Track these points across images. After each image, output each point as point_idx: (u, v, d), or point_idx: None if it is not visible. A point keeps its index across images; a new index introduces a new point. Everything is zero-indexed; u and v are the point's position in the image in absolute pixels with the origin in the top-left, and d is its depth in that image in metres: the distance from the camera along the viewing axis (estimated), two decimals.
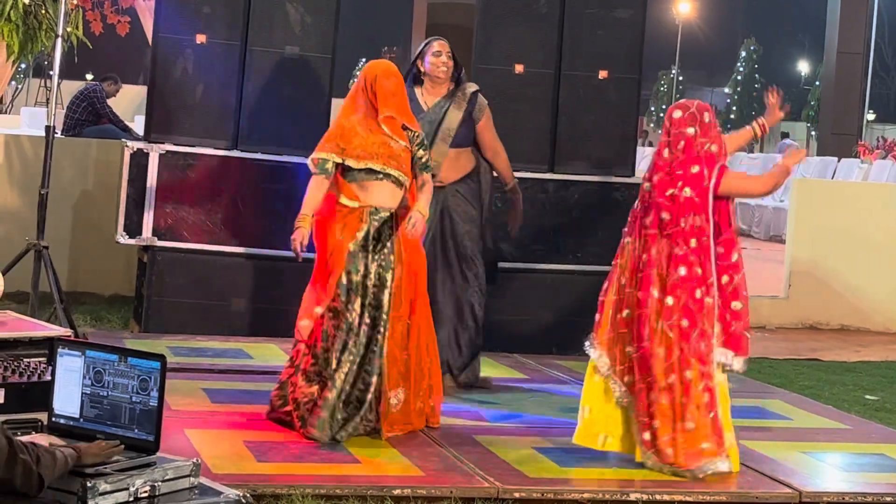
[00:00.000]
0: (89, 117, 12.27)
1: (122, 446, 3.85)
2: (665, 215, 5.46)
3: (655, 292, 5.44)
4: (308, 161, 5.82)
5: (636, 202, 5.63)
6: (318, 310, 5.80)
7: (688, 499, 5.22)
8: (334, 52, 8.19)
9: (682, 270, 5.42)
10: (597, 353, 5.58)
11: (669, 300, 5.42)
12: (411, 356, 5.82)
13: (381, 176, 5.76)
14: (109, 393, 3.94)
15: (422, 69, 6.77)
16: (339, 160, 5.76)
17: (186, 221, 7.94)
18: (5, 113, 24.96)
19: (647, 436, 5.46)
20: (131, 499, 3.72)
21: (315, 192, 5.77)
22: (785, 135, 29.67)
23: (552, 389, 7.13)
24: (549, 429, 6.21)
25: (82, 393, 3.99)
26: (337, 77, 8.42)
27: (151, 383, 3.88)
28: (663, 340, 5.42)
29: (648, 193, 5.55)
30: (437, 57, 6.72)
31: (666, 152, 5.54)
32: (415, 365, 5.83)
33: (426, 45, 6.81)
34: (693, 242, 5.44)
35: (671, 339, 5.41)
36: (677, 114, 5.56)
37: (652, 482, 5.39)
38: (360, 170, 5.76)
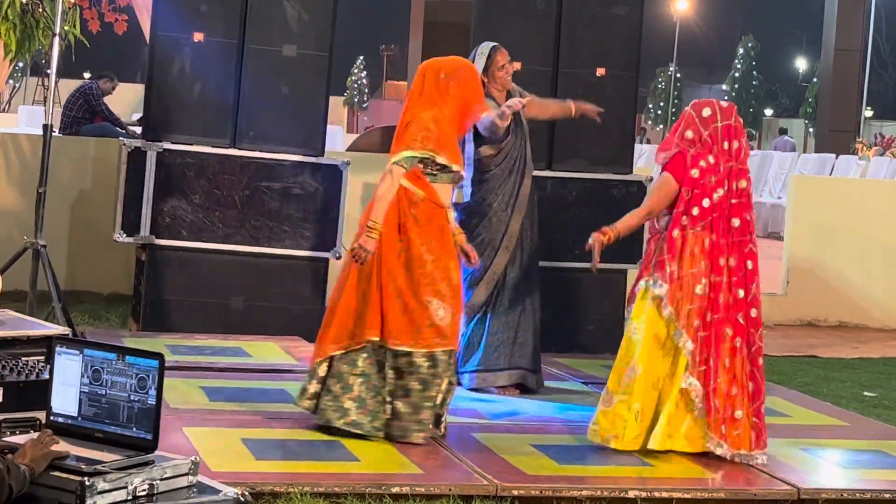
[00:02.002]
0: (86, 115, 12.26)
1: (55, 436, 3.84)
2: (747, 215, 5.74)
3: (742, 292, 5.74)
4: (408, 156, 5.59)
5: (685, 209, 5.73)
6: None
7: (686, 496, 5.23)
8: (332, 51, 8.18)
9: (750, 264, 5.75)
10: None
11: (741, 292, 5.72)
12: None
13: (455, 177, 5.80)
14: (107, 391, 3.94)
15: (485, 80, 6.82)
16: (443, 161, 5.66)
17: (184, 220, 7.93)
18: (3, 111, 24.96)
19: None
20: (129, 497, 3.72)
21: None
22: (783, 131, 29.61)
23: (551, 387, 7.12)
24: (548, 426, 6.21)
25: (80, 392, 3.98)
26: (334, 75, 8.43)
27: (149, 382, 3.88)
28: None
29: (726, 197, 5.74)
30: (501, 70, 6.89)
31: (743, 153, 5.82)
32: None
33: (489, 59, 6.86)
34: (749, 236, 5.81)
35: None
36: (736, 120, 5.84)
37: (651, 479, 5.40)
38: (450, 170, 5.71)
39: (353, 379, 5.60)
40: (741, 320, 5.69)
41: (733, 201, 5.73)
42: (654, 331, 5.71)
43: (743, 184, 5.77)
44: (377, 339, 5.60)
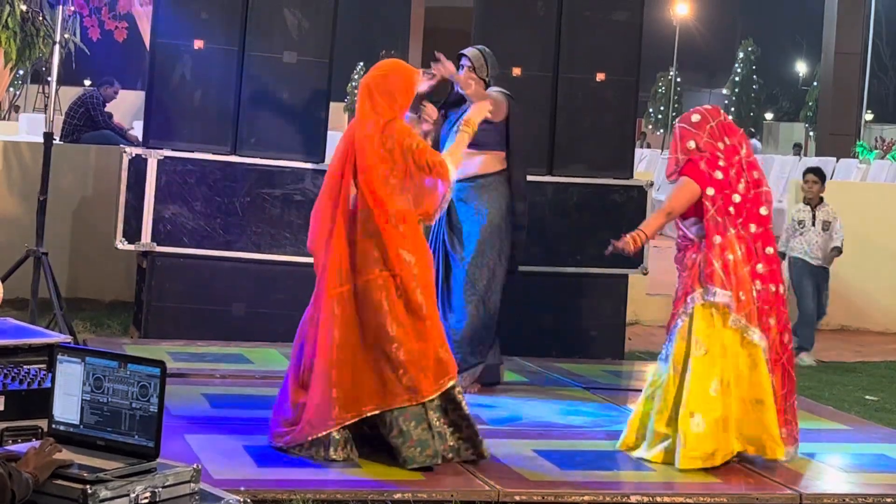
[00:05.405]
0: (87, 123, 12.26)
1: (57, 444, 3.83)
2: (769, 204, 5.86)
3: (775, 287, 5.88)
4: None
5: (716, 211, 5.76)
6: None
7: (688, 501, 5.23)
8: (332, 57, 8.19)
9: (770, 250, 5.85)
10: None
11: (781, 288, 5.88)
12: None
13: None
14: (109, 399, 3.94)
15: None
16: None
17: (185, 227, 7.94)
18: (4, 119, 24.95)
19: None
20: None
21: None
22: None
23: (552, 392, 7.12)
24: (550, 431, 6.21)
25: (82, 399, 3.98)
26: (335, 82, 8.43)
27: (151, 389, 3.88)
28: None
29: (748, 188, 5.82)
30: None
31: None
32: None
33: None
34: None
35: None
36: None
37: (652, 484, 5.40)
38: None
39: None
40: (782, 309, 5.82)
41: (754, 191, 5.81)
42: (721, 341, 5.71)
43: (755, 174, 5.84)
44: None
